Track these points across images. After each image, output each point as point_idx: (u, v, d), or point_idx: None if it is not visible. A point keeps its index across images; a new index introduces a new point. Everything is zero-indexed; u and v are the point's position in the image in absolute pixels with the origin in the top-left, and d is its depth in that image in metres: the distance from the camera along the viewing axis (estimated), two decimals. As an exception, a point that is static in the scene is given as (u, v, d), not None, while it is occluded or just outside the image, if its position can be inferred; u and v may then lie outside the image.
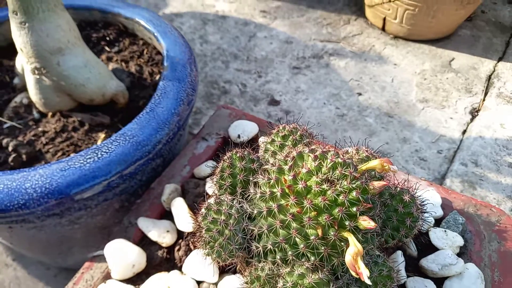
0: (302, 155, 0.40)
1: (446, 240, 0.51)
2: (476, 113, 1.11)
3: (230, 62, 1.24)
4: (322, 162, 0.38)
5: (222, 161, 0.45)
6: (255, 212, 0.40)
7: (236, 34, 1.33)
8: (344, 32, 1.35)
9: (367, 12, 1.38)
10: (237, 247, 0.39)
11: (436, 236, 0.52)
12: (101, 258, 0.50)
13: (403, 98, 1.14)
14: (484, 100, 1.14)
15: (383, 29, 1.35)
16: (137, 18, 0.72)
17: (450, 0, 1.16)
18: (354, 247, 0.34)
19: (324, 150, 0.40)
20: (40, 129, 0.62)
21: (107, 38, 0.75)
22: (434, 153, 1.01)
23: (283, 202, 0.38)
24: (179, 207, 0.52)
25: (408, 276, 0.48)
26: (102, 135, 0.62)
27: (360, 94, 1.15)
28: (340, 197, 0.36)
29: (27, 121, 0.63)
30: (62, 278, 0.77)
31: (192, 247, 0.51)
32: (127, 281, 0.48)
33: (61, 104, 0.63)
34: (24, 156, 0.58)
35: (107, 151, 0.51)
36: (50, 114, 0.64)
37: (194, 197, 0.55)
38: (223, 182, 0.44)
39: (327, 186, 0.36)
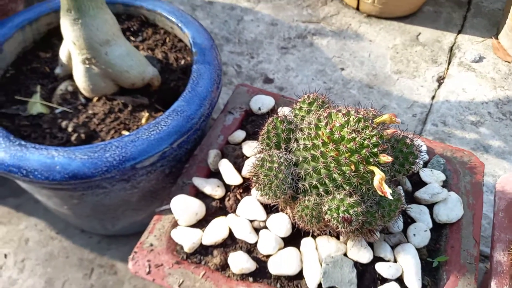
0: (331, 114, 0.53)
1: (433, 177, 0.67)
2: (442, 81, 1.29)
3: (223, 45, 1.34)
4: (349, 118, 0.51)
5: (267, 124, 0.58)
6: (301, 159, 0.53)
7: (225, 18, 1.43)
8: (322, 13, 1.48)
9: (343, -6, 1.51)
10: (288, 186, 0.53)
11: (425, 174, 0.67)
12: (166, 212, 0.62)
13: (380, 70, 1.30)
14: (448, 69, 1.32)
15: (357, 8, 1.49)
16: (159, 10, 0.81)
17: (416, -18, 1.31)
18: (379, 175, 0.48)
19: (348, 109, 0.53)
20: (90, 112, 0.71)
21: (131, 29, 0.84)
22: (410, 117, 1.18)
23: (323, 149, 0.51)
24: (225, 166, 0.65)
25: (407, 204, 0.64)
26: (145, 114, 0.72)
27: (342, 69, 1.29)
28: (366, 142, 0.49)
29: (76, 105, 0.72)
30: (105, 244, 0.87)
31: (239, 197, 0.64)
32: (192, 226, 0.60)
33: (105, 89, 0.72)
34: (83, 135, 0.67)
35: (165, 124, 0.62)
36: (95, 98, 0.73)
37: (234, 159, 0.67)
38: (269, 141, 0.57)
39: (355, 134, 0.50)
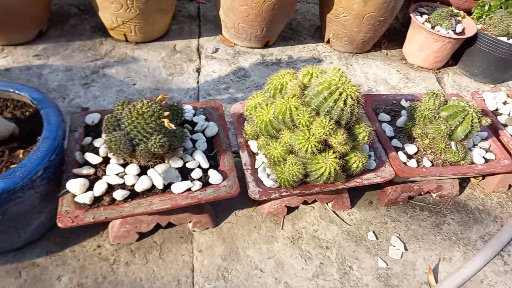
0: (134, 105, 1.07)
1: (199, 119, 1.29)
2: (199, 70, 1.97)
3: (37, 97, 1.68)
4: (143, 102, 1.06)
5: (104, 122, 1.07)
6: (129, 130, 1.05)
7: (27, 78, 1.76)
8: (103, 51, 1.97)
9: (111, 33, 2.03)
10: (128, 145, 1.04)
11: (196, 118, 1.29)
12: (65, 193, 1.05)
13: (160, 77, 1.89)
14: (200, 62, 2.02)
15: (126, 40, 2.04)
16: (-7, 86, 1.18)
17: (156, 13, 1.94)
18: (167, 121, 1.05)
19: (141, 100, 1.08)
20: (-21, 163, 1.06)
21: (-25, 105, 1.18)
22: (188, 98, 1.81)
23: (138, 121, 1.05)
24: (90, 156, 1.11)
25: (191, 134, 1.24)
26: (20, 151, 1.11)
27: (134, 84, 1.83)
28: (155, 110, 1.05)
29: (-35, 164, 1.05)
30: (20, 254, 1.20)
31: (104, 168, 1.11)
32: (85, 192, 1.06)
33: (-16, 146, 1.08)
34: (-16, 177, 1.03)
35: (43, 147, 1.04)
36: (-22, 155, 1.07)
37: (91, 151, 1.14)
38: (108, 129, 1.07)
39: (150, 108, 1.05)
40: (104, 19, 1.94)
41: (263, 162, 1.23)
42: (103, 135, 1.08)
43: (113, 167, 1.10)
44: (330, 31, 2.19)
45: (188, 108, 1.32)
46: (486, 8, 2.18)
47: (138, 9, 1.85)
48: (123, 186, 1.09)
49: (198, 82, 1.90)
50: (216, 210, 1.36)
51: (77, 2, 2.27)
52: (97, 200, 1.05)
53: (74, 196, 1.05)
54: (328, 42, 2.28)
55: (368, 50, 2.34)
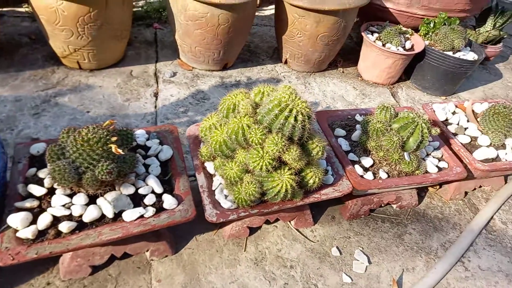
0: (80, 131, 1.03)
1: (153, 142, 1.26)
2: (157, 95, 1.94)
3: (-18, 130, 1.60)
4: (89, 129, 1.02)
5: (48, 151, 1.02)
6: (74, 158, 1.00)
7: (-29, 109, 1.67)
8: (55, 79, 1.91)
9: (64, 61, 1.98)
10: (74, 174, 0.99)
11: (149, 142, 1.25)
12: (6, 229, 0.98)
13: (115, 103, 1.85)
14: (158, 86, 1.99)
15: (80, 68, 1.99)
16: None
17: (110, 40, 1.91)
18: (114, 146, 1.01)
19: (87, 126, 1.03)
20: None
21: None
22: (145, 123, 1.77)
23: (83, 148, 1.00)
24: (34, 188, 1.05)
25: (144, 159, 1.20)
26: (-45, 186, 1.03)
27: (88, 111, 1.77)
28: (101, 136, 1.01)
29: None
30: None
31: (49, 200, 1.05)
32: (28, 226, 0.99)
33: None
34: None
35: (-20, 179, 0.97)
36: None
37: (35, 182, 1.08)
38: (52, 158, 1.01)
39: (96, 135, 1.01)
40: (55, 47, 1.89)
41: (220, 184, 1.20)
42: (48, 165, 1.03)
43: (58, 198, 1.04)
44: (287, 52, 2.24)
45: (141, 132, 1.29)
46: (432, 25, 2.29)
47: (90, 36, 1.81)
48: (69, 217, 1.03)
49: (156, 106, 1.87)
50: (176, 236, 1.31)
51: (28, 31, 2.21)
52: (41, 234, 0.99)
53: (16, 231, 0.98)
54: (285, 62, 2.32)
55: (325, 68, 2.40)
